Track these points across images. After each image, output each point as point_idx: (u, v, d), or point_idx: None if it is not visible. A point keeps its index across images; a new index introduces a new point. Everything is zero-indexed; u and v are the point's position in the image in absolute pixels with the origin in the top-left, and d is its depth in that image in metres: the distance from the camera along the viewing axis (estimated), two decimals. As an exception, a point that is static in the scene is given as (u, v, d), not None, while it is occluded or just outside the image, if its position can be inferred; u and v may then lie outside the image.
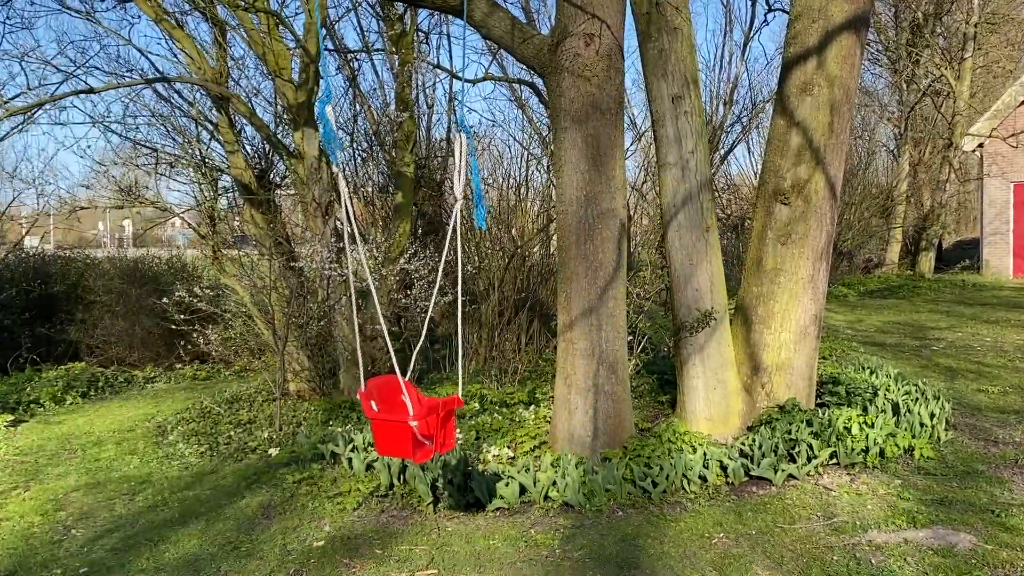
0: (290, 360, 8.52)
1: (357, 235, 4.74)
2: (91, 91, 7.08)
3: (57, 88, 9.19)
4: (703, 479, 5.68)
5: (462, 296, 8.42)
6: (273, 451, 6.93)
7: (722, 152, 15.52)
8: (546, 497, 5.49)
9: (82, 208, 9.00)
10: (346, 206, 4.40)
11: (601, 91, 5.75)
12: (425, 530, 5.14)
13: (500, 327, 9.60)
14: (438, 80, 11.13)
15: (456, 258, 5.04)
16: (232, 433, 7.59)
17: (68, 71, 9.03)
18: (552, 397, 7.48)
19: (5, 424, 8.27)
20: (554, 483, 5.52)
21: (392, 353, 4.35)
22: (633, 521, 5.12)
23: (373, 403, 4.50)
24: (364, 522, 5.31)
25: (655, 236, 11.05)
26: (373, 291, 4.37)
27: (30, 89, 9.08)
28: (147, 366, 11.37)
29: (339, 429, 7.18)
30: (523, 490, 5.54)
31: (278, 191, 10.45)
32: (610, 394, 6.00)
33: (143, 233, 15.45)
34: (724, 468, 5.76)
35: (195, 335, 8.75)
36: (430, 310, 4.86)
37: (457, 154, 4.38)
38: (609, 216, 5.84)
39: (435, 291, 4.88)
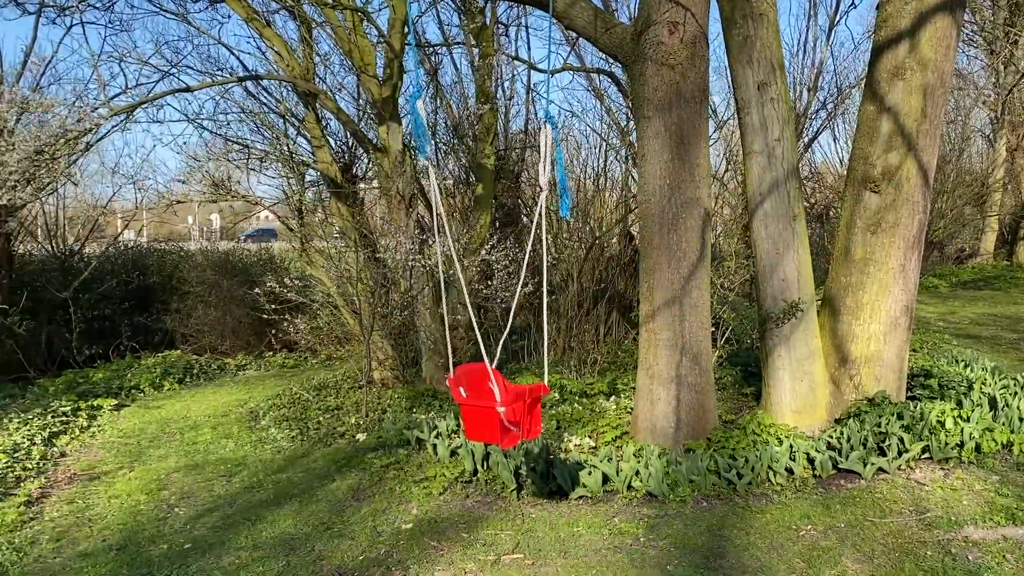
0: (374, 349, 8.73)
1: (446, 225, 4.85)
2: (188, 89, 7.39)
3: (154, 87, 9.64)
4: (789, 471, 5.60)
5: (540, 287, 8.49)
6: (360, 436, 7.14)
7: (806, 140, 15.15)
8: (629, 487, 5.51)
9: (178, 202, 9.40)
10: (435, 197, 4.51)
11: (685, 79, 5.71)
12: (509, 516, 5.23)
13: (579, 318, 9.63)
14: (516, 73, 11.20)
15: (542, 248, 5.10)
16: (321, 419, 7.84)
17: (163, 70, 9.46)
18: (633, 388, 7.49)
19: (110, 408, 8.74)
20: (637, 473, 5.53)
21: (480, 341, 4.44)
22: (718, 512, 5.09)
23: (462, 389, 4.61)
24: (450, 506, 5.43)
25: (737, 226, 10.88)
26: (462, 279, 4.46)
27: (129, 89, 9.56)
28: (238, 354, 11.81)
29: (423, 416, 7.35)
30: (606, 479, 5.57)
31: (360, 184, 10.69)
32: (693, 385, 5.97)
33: (233, 226, 16.01)
34: (811, 461, 5.67)
35: (285, 324, 9.05)
36: (516, 298, 4.92)
37: (542, 145, 4.44)
38: (693, 205, 5.80)
39: (520, 282, 4.95)
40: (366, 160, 11.15)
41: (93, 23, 10.36)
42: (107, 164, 25.84)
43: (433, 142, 9.60)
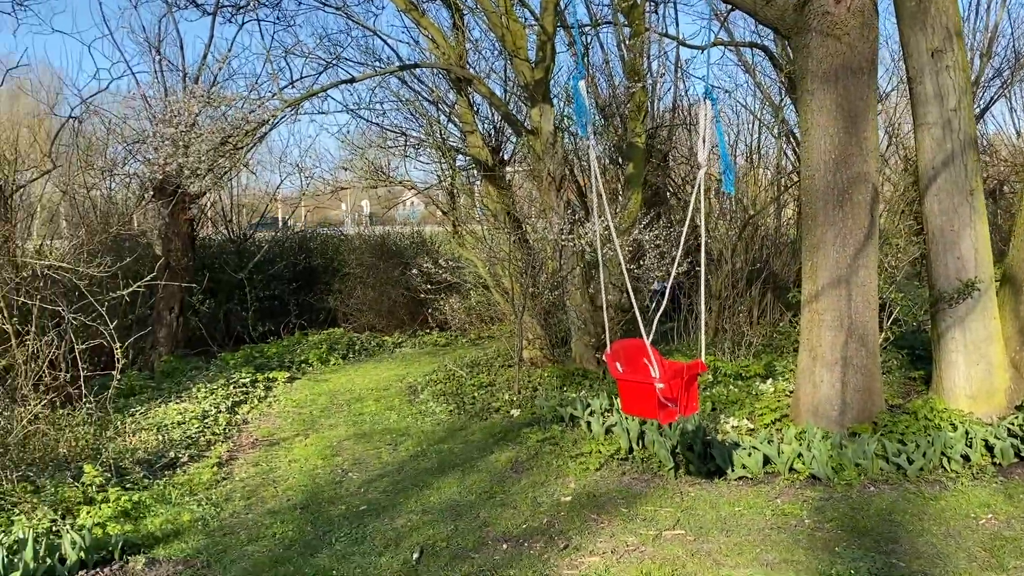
0: (524, 329, 8.92)
1: (605, 205, 4.91)
2: (352, 80, 7.79)
3: (316, 79, 10.21)
4: (965, 458, 5.33)
5: (693, 267, 8.38)
6: (515, 412, 7.35)
7: (978, 110, 14.09)
8: (791, 469, 5.41)
9: (341, 188, 9.95)
10: (595, 177, 4.58)
11: (853, 50, 5.49)
12: (667, 493, 5.26)
13: (731, 298, 9.45)
14: (663, 50, 11.02)
15: (700, 226, 5.08)
16: (476, 394, 8.12)
17: (326, 62, 9.98)
18: (791, 371, 7.31)
19: (283, 380, 9.39)
20: (799, 455, 5.42)
21: (640, 319, 4.49)
22: (887, 497, 4.92)
23: (618, 364, 4.69)
24: (607, 482, 5.52)
25: (901, 202, 10.30)
26: (621, 259, 4.52)
27: (294, 82, 10.16)
28: (394, 332, 12.36)
29: (573, 395, 7.47)
30: (766, 461, 5.50)
31: (507, 167, 10.90)
32: (859, 367, 5.77)
33: (388, 211, 16.70)
34: (990, 448, 5.36)
35: (441, 303, 9.39)
36: (671, 278, 4.93)
37: (702, 121, 4.42)
38: (861, 180, 5.58)
39: (676, 261, 4.94)
40: (512, 143, 11.39)
41: (262, 20, 11.02)
42: (273, 154, 27.57)
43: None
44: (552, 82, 8.48)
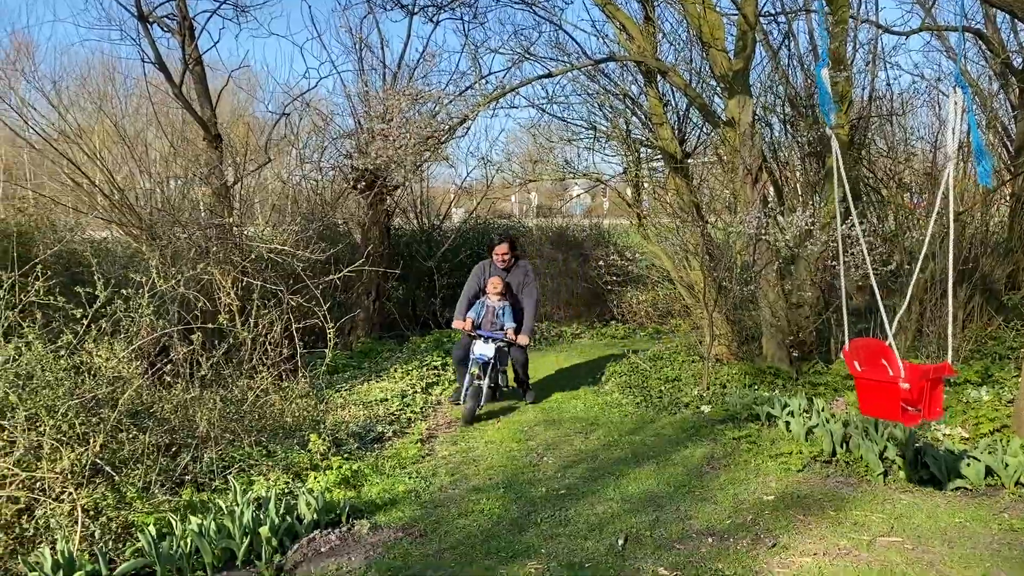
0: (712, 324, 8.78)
1: (851, 197, 4.76)
2: (549, 75, 7.97)
3: (506, 74, 10.47)
4: None
5: (896, 266, 7.93)
6: (705, 408, 7.27)
7: None
8: (1017, 483, 5.05)
9: (530, 180, 10.18)
10: (838, 168, 4.45)
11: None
12: (877, 499, 5.06)
13: (934, 300, 8.89)
14: (855, 37, 10.41)
15: (948, 224, 4.82)
16: (662, 388, 8.10)
17: (517, 57, 10.23)
18: (1013, 379, 6.82)
19: (471, 365, 9.75)
20: (1029, 469, 5.05)
21: (885, 315, 4.34)
22: None
23: (856, 363, 4.53)
24: (810, 484, 5.38)
25: None
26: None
27: (483, 77, 10.48)
28: (572, 323, 12.53)
29: (766, 393, 7.30)
30: (988, 472, 5.16)
31: (689, 160, 10.74)
32: (1101, 377, 5.28)
33: (565, 204, 16.89)
34: None
35: (626, 295, 9.42)
36: (911, 278, 4.69)
37: (952, 110, 4.20)
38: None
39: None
40: (695, 135, 11.20)
41: (457, 19, 11.46)
42: (459, 148, 28.67)
43: (782, 112, 9.35)
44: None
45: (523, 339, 7.69)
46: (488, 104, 7.90)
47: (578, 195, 17.84)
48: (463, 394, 7.48)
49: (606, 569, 4.19)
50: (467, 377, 7.49)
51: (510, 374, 8.17)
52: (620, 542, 4.52)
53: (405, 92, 7.77)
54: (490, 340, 7.52)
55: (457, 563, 4.30)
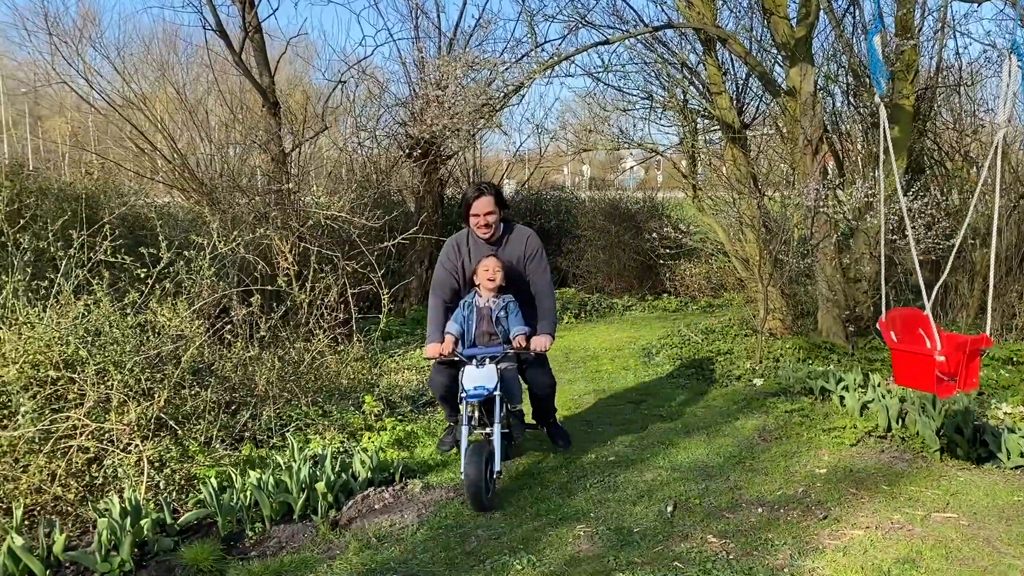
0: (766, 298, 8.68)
1: (894, 169, 4.67)
2: (606, 42, 7.88)
3: (562, 41, 10.37)
4: None
5: (959, 241, 7.72)
6: (757, 381, 7.21)
7: None
8: (1082, 464, 4.92)
9: (585, 150, 10.14)
10: (885, 138, 4.36)
11: None
12: (933, 476, 4.98)
13: (999, 276, 8.64)
14: (926, 2, 10.04)
15: (994, 193, 4.70)
16: (714, 361, 8.05)
17: (574, 24, 10.12)
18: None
19: (521, 334, 9.81)
20: (1094, 450, 4.91)
21: (924, 290, 4.26)
22: None
23: (893, 334, 4.49)
24: (864, 459, 5.31)
25: None
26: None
27: (540, 45, 10.40)
28: (623, 295, 12.49)
29: (821, 367, 7.21)
30: (1051, 452, 5.03)
31: (747, 130, 10.54)
32: None
33: (618, 176, 16.78)
34: None
35: (680, 268, 9.35)
36: (955, 248, 4.60)
37: (1005, 77, 4.07)
38: None
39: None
40: (754, 105, 10.98)
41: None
42: (515, 116, 28.60)
43: (846, 83, 9.11)
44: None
45: (542, 342, 4.92)
46: (543, 72, 7.86)
47: (631, 167, 17.67)
48: (463, 460, 4.57)
49: (655, 534, 4.21)
50: (462, 426, 4.77)
51: (525, 399, 5.37)
52: (669, 509, 4.54)
53: (461, 59, 7.76)
54: (488, 361, 4.75)
55: (507, 524, 4.37)
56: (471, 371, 4.72)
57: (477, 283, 5.04)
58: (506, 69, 8.12)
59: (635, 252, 12.58)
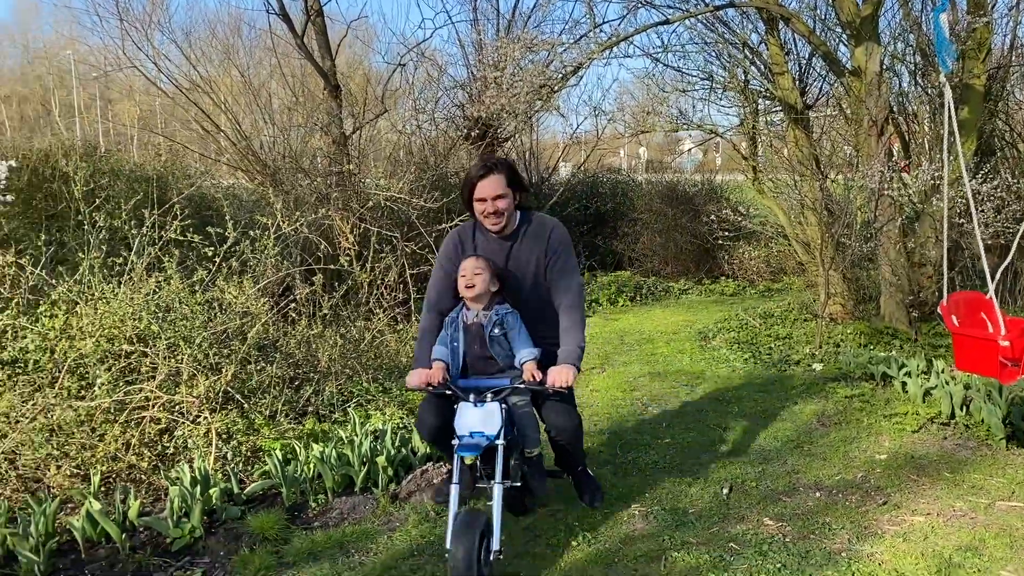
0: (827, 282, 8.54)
1: (960, 151, 4.56)
2: (666, 22, 7.81)
3: (620, 22, 10.27)
4: None
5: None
6: (817, 366, 7.12)
7: None
8: None
9: (643, 131, 10.07)
10: (950, 118, 4.26)
11: None
12: (997, 464, 4.87)
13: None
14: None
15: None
16: (772, 345, 7.97)
17: (628, 6, 10.01)
18: None
19: (577, 316, 9.84)
20: None
21: (990, 276, 4.17)
22: None
23: (954, 318, 4.41)
24: (926, 445, 5.22)
25: None
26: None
27: (598, 25, 10.33)
28: (680, 279, 12.40)
29: (883, 353, 7.08)
30: (1125, 443, 4.89)
31: (810, 111, 10.33)
32: None
33: (675, 159, 16.61)
34: None
35: (738, 251, 9.25)
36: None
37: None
38: None
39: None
40: (817, 86, 10.74)
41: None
42: (572, 98, 28.45)
43: (913, 63, 8.85)
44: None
45: (563, 375, 3.60)
46: (601, 52, 7.82)
47: (689, 149, 17.46)
48: (448, 534, 3.37)
49: (710, 515, 4.23)
50: (451, 485, 3.56)
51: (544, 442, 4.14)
52: (725, 491, 4.54)
53: (519, 40, 7.77)
54: (490, 396, 3.59)
55: (563, 501, 4.43)
56: (467, 411, 3.55)
57: (461, 292, 3.85)
58: (564, 50, 8.10)
59: (692, 235, 12.46)
